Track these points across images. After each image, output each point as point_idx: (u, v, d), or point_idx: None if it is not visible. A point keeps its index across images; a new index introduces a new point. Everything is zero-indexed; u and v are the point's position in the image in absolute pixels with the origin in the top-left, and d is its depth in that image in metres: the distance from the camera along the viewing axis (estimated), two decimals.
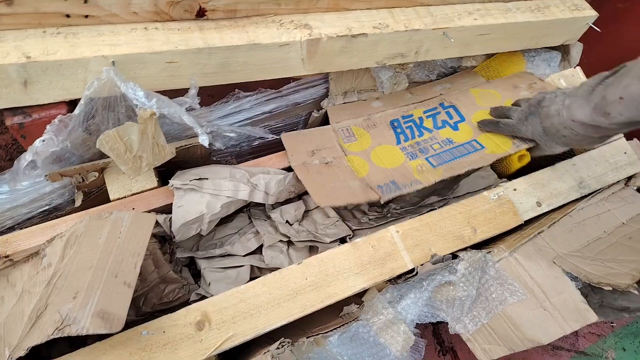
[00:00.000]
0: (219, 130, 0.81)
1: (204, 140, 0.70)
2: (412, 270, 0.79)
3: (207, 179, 0.79)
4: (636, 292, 0.76)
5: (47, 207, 0.84)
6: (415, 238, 0.81)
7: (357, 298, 0.85)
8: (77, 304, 0.59)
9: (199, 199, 0.77)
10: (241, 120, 0.90)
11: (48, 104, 0.67)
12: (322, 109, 0.97)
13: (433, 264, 0.79)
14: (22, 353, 0.58)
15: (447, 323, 0.87)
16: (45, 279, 0.73)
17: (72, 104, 0.69)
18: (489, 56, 1.05)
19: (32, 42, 0.61)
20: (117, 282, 0.62)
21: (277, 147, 0.92)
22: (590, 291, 1.11)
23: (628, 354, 1.24)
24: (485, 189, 0.90)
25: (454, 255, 0.83)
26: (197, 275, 0.86)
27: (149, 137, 0.70)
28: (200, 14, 0.70)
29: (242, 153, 0.97)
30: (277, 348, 0.71)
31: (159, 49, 0.66)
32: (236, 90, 0.87)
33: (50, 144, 0.63)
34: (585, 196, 0.92)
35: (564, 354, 1.21)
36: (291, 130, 1.02)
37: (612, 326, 1.28)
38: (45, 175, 0.74)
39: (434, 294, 0.85)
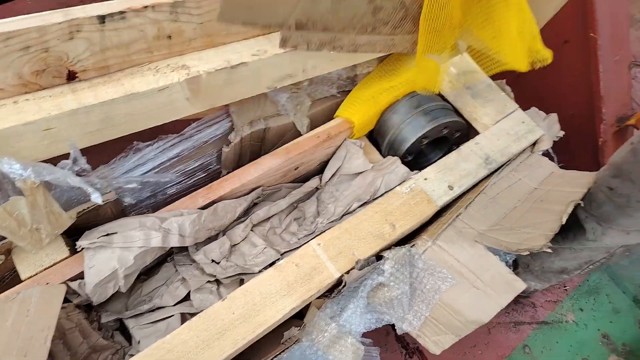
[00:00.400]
0: (121, 185, 0.81)
1: (96, 198, 0.69)
2: (340, 280, 0.80)
3: (116, 233, 0.78)
4: (549, 250, 0.78)
5: None
6: (337, 246, 0.82)
7: (299, 320, 0.85)
8: None
9: (109, 255, 0.76)
10: (148, 171, 0.90)
11: None
12: (230, 142, 0.98)
13: (359, 269, 0.80)
14: None
15: (396, 328, 0.87)
16: None
17: None
18: (381, 59, 1.09)
19: None
20: None
21: (196, 189, 0.92)
22: (530, 259, 1.14)
23: (586, 313, 1.27)
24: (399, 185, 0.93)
25: (379, 257, 0.84)
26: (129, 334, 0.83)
27: (41, 208, 0.68)
28: (71, 76, 0.71)
29: (159, 204, 0.96)
30: None
31: (30, 118, 0.65)
32: (134, 142, 0.87)
33: None
34: (495, 171, 0.96)
35: (526, 327, 1.23)
36: (207, 170, 1.03)
37: (566, 289, 1.31)
38: None
39: (371, 298, 0.86)
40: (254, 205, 0.99)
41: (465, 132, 1.08)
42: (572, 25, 1.21)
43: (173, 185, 0.97)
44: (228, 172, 0.98)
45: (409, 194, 0.89)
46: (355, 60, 0.99)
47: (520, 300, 1.28)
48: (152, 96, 0.75)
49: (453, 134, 1.06)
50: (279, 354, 0.78)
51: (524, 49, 0.90)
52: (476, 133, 1.05)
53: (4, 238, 0.76)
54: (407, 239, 0.90)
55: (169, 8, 0.73)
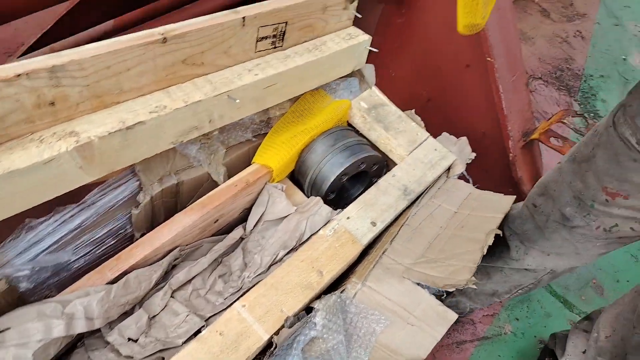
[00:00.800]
0: (11, 271, 0.71)
1: None
2: (271, 342, 0.75)
3: (8, 329, 0.68)
4: (474, 286, 0.79)
5: None
6: (263, 305, 0.77)
7: None
8: None
9: (3, 357, 0.66)
10: (46, 248, 0.81)
11: None
12: (139, 204, 0.91)
13: (289, 327, 0.76)
14: None
15: None
16: None
17: None
18: (294, 100, 1.09)
19: None
20: None
21: (107, 258, 0.84)
22: None
23: (521, 322, 1.32)
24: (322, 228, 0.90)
25: (309, 309, 0.80)
26: None
27: None
28: None
29: (65, 281, 0.86)
30: None
31: None
32: (26, 219, 0.78)
33: None
34: (414, 201, 0.97)
35: (468, 346, 1.24)
36: (117, 236, 0.95)
37: (500, 301, 1.35)
38: None
39: (307, 353, 0.81)
40: (172, 267, 0.92)
41: (383, 164, 1.10)
42: (472, 50, 1.28)
43: (78, 258, 0.88)
44: (142, 234, 0.91)
45: (334, 236, 0.87)
46: (264, 105, 0.98)
47: (459, 319, 1.29)
48: (38, 170, 0.67)
49: (371, 167, 1.06)
50: None
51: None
52: (394, 164, 1.06)
53: None
54: (335, 283, 0.88)
55: (48, 74, 0.67)
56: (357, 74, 1.18)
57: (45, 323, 0.70)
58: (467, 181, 1.06)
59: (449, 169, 1.05)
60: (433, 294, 0.85)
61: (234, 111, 0.91)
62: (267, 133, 1.08)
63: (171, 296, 0.87)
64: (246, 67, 0.93)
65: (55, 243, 0.82)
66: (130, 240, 0.97)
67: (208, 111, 0.86)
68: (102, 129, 0.73)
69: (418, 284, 0.85)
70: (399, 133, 1.06)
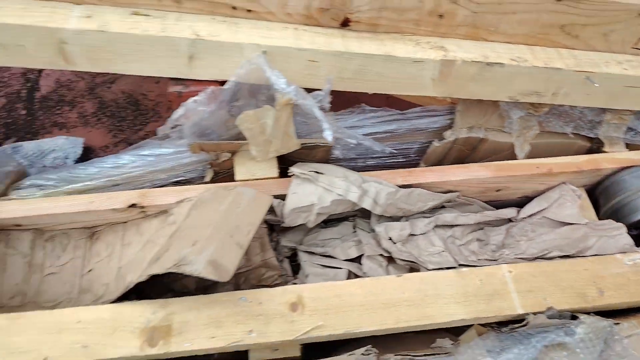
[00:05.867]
0: (342, 136, 0.85)
1: (328, 135, 0.73)
2: (522, 319, 0.72)
3: (323, 174, 0.82)
4: None
5: (180, 179, 0.94)
6: (529, 283, 0.74)
7: (452, 335, 0.79)
8: (195, 250, 0.63)
9: (312, 190, 0.80)
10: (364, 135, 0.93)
11: (204, 80, 0.76)
12: (443, 139, 0.96)
13: (548, 317, 0.71)
14: (143, 279, 0.64)
15: None
16: (169, 233, 0.80)
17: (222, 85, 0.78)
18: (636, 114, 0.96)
19: (202, 25, 0.72)
20: (231, 242, 0.66)
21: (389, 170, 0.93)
22: None
23: None
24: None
25: (573, 316, 0.73)
26: (295, 270, 0.87)
27: (281, 125, 0.75)
28: (345, 23, 0.76)
29: (357, 168, 0.98)
30: (363, 354, 0.68)
31: (304, 46, 0.72)
32: (362, 104, 0.92)
33: (200, 105, 0.71)
34: None
35: None
36: (407, 157, 1.03)
37: None
38: (189, 145, 0.83)
39: (542, 355, 0.76)
40: (441, 207, 0.96)
41: None
42: None
43: (374, 157, 1.00)
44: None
45: (631, 268, 0.77)
46: (614, 105, 0.89)
47: None
48: (406, 64, 0.77)
49: None
50: (423, 356, 0.74)
51: None
52: None
53: (238, 139, 0.86)
54: (606, 315, 0.78)
55: None
56: None
57: (347, 185, 0.82)
58: None
59: None
60: None
61: (582, 95, 0.86)
62: (586, 136, 1.00)
63: (433, 228, 0.91)
64: (616, 59, 0.87)
65: (371, 134, 0.94)
66: (413, 166, 1.04)
67: (559, 83, 0.84)
68: (467, 55, 0.79)
69: None
70: None
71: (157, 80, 1.51)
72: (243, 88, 0.73)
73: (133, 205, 0.82)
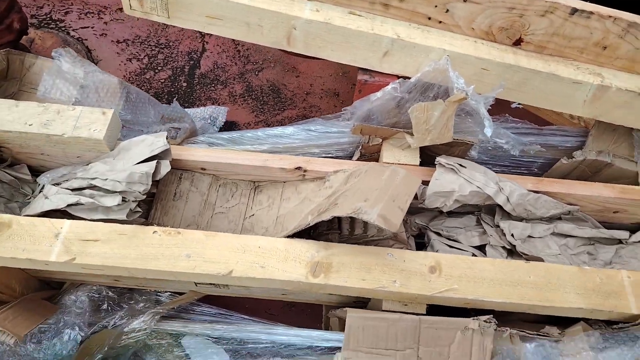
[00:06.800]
0: (496, 134, 0.96)
1: (487, 131, 0.86)
2: (635, 318, 0.80)
3: (465, 167, 0.95)
4: None
5: (331, 156, 1.11)
6: None
7: (560, 327, 0.88)
8: (368, 204, 0.79)
9: (454, 179, 0.93)
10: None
11: (386, 74, 0.93)
12: (572, 158, 1.06)
13: None
14: (325, 218, 0.80)
15: None
16: (326, 195, 0.97)
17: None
18: None
19: (401, 29, 0.88)
20: (394, 205, 0.81)
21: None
22: None
23: None
24: None
25: None
26: (419, 248, 1.01)
27: (444, 118, 0.90)
28: (517, 42, 0.90)
29: None
30: (485, 321, 0.80)
31: (482, 56, 0.87)
32: (506, 114, 1.04)
33: (394, 92, 0.88)
34: None
35: None
36: (529, 169, 1.13)
37: None
38: (353, 125, 1.00)
39: None
40: (558, 218, 1.05)
41: None
42: None
43: (500, 165, 1.11)
44: None
45: None
46: None
47: None
48: (565, 84, 0.88)
49: None
50: (536, 334, 0.84)
51: None
52: None
53: (393, 127, 1.01)
54: None
55: (626, 25, 0.85)
56: None
57: (486, 180, 0.94)
58: None
59: None
60: None
61: None
62: None
63: (550, 234, 1.01)
64: None
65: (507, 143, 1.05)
66: None
67: None
68: (622, 84, 0.89)
69: None
70: None
71: (298, 74, 1.72)
72: (419, 84, 0.89)
73: (298, 168, 1.00)
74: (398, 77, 0.93)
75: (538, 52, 0.90)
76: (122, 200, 0.84)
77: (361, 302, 0.98)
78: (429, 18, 0.89)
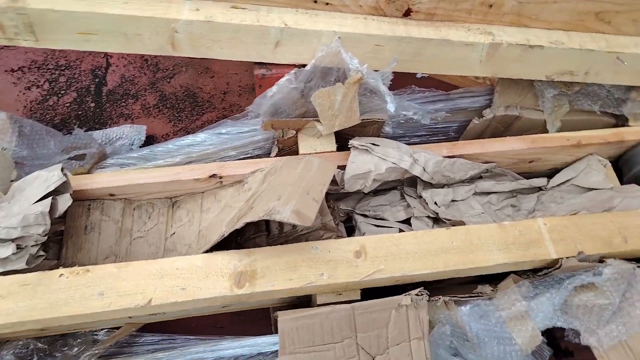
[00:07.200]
0: (402, 107, 0.96)
1: (390, 107, 0.86)
2: (555, 262, 0.83)
3: (378, 145, 0.95)
4: None
5: (248, 155, 1.07)
6: (561, 233, 0.85)
7: (492, 284, 0.91)
8: (281, 203, 0.76)
9: (369, 159, 0.93)
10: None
11: (283, 64, 0.90)
12: (483, 117, 1.08)
13: (579, 260, 0.82)
14: (238, 226, 0.77)
15: (581, 337, 0.87)
16: (245, 198, 0.94)
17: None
18: None
19: (288, 16, 0.85)
20: (308, 197, 0.79)
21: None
22: None
23: None
24: None
25: (601, 259, 0.84)
26: (349, 233, 1.00)
27: (347, 101, 0.88)
28: (407, 13, 0.89)
29: None
30: (417, 294, 0.80)
31: (373, 32, 0.85)
32: (412, 85, 1.04)
33: (290, 83, 0.85)
34: None
35: None
36: (447, 136, 1.14)
37: None
38: (262, 122, 0.97)
39: (572, 297, 0.86)
40: (479, 177, 1.07)
41: None
42: None
43: (418, 135, 1.12)
44: None
45: None
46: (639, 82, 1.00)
47: None
48: (458, 47, 0.89)
49: None
50: (468, 297, 0.85)
51: None
52: None
53: (304, 118, 0.99)
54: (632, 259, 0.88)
55: None
56: None
57: (399, 154, 0.94)
58: None
59: None
60: None
61: (611, 74, 0.97)
62: (612, 113, 1.10)
63: (472, 195, 1.03)
64: None
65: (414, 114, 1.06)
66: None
67: (591, 63, 0.94)
68: (511, 39, 0.90)
69: None
70: None
71: (212, 75, 1.66)
72: (317, 71, 0.86)
73: (213, 176, 0.96)
74: (296, 66, 0.91)
75: (429, 20, 0.90)
76: (18, 248, 0.78)
77: (306, 297, 0.97)
78: (315, 1, 0.86)
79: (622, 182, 1.06)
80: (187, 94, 1.63)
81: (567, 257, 0.82)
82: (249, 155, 1.08)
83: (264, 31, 0.83)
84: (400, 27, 0.88)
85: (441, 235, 0.84)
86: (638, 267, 0.83)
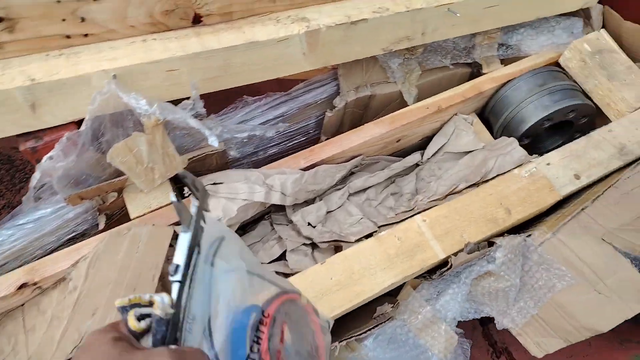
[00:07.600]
0: (230, 135, 0.80)
1: (213, 141, 0.69)
2: (446, 262, 0.74)
3: (221, 183, 0.78)
4: None
5: (73, 234, 0.85)
6: (444, 225, 0.76)
7: (392, 297, 0.80)
8: (96, 320, 0.58)
9: (215, 205, 0.76)
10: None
11: (58, 126, 0.68)
12: (335, 107, 0.94)
13: (468, 253, 0.73)
14: None
15: (496, 322, 0.80)
16: (72, 302, 0.72)
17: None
18: (504, 31, 0.99)
19: (35, 65, 0.63)
20: None
21: (295, 152, 0.90)
22: None
23: None
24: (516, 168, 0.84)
25: (490, 242, 0.77)
26: None
27: (158, 148, 0.69)
28: (197, 20, 0.70)
29: (260, 162, 0.95)
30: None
31: (157, 57, 0.66)
32: (244, 96, 0.87)
33: (58, 160, 0.63)
34: (630, 164, 0.84)
35: (633, 346, 1.09)
36: (307, 135, 1.00)
37: None
38: (65, 199, 0.75)
39: (474, 287, 0.79)
40: (350, 174, 0.95)
41: (592, 118, 0.96)
42: None
43: (274, 145, 0.96)
44: (327, 139, 0.95)
45: (529, 179, 0.80)
46: (478, 28, 0.91)
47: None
48: (271, 46, 0.73)
49: (579, 119, 0.94)
50: (371, 329, 0.75)
51: None
52: (603, 122, 0.92)
53: (119, 176, 0.78)
54: (519, 229, 0.82)
55: None
56: (581, 14, 1.03)
57: (250, 186, 0.78)
58: None
59: None
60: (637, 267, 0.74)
61: (449, 27, 0.87)
62: (465, 62, 1.02)
63: (347, 199, 0.91)
64: None
65: (263, 124, 0.90)
66: (315, 142, 1.02)
67: (425, 22, 0.83)
68: (329, 20, 0.76)
69: (620, 251, 0.75)
70: (625, 85, 0.91)
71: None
72: (104, 121, 0.66)
73: (24, 285, 0.74)
74: (77, 122, 0.69)
75: (226, 21, 0.72)
76: None
77: None
78: (68, 37, 0.64)
79: (492, 133, 1.00)
80: (1, 159, 1.31)
81: (455, 254, 0.73)
82: (74, 234, 0.85)
83: (7, 96, 0.60)
84: (192, 40, 0.69)
85: (317, 275, 0.70)
86: (527, 236, 0.77)
